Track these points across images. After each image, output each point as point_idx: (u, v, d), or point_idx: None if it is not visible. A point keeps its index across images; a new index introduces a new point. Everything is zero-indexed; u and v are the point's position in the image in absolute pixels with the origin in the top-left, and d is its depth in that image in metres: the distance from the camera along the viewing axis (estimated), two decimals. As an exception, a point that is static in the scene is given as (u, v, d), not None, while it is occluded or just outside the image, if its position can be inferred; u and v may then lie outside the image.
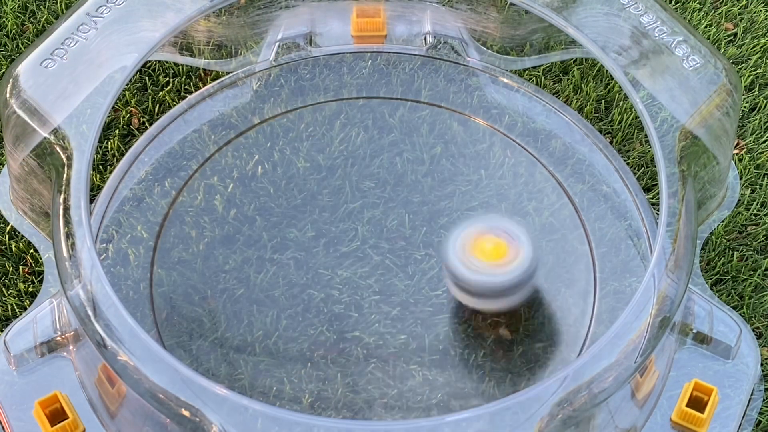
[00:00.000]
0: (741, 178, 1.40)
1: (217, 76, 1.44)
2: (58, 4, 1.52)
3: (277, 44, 1.43)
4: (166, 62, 1.47)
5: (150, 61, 1.47)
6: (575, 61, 1.49)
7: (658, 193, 1.32)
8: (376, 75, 1.43)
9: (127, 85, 1.42)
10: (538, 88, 1.43)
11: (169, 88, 1.45)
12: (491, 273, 1.20)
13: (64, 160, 1.16)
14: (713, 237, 1.35)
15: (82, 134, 1.17)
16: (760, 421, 1.23)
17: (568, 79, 1.47)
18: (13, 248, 1.33)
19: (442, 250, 1.23)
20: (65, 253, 1.11)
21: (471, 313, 1.24)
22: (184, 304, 1.25)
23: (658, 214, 1.22)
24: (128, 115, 1.43)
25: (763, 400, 1.23)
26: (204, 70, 1.47)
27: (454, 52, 1.44)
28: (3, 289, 1.30)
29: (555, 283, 1.27)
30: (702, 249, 1.34)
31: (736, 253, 1.35)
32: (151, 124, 1.40)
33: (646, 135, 1.32)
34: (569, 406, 1.04)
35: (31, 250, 1.32)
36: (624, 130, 1.44)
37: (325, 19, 1.45)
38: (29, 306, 1.28)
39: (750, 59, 1.51)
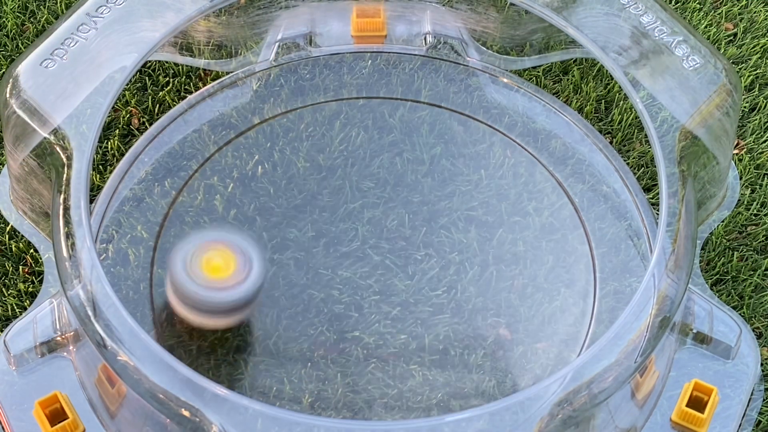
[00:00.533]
0: (741, 178, 1.40)
1: (217, 76, 1.45)
2: (58, 4, 1.52)
3: (277, 44, 1.43)
4: (166, 62, 1.47)
5: (150, 61, 1.47)
6: (575, 61, 1.49)
7: (658, 193, 1.32)
8: (376, 75, 1.43)
9: (127, 85, 1.42)
10: (538, 88, 1.43)
11: (169, 88, 1.45)
12: (220, 289, 1.17)
13: (64, 160, 1.16)
14: (713, 237, 1.35)
15: (82, 134, 1.17)
16: (760, 421, 1.23)
17: (568, 79, 1.48)
18: (13, 248, 1.33)
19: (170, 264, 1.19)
20: (65, 253, 1.11)
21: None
22: (184, 304, 1.25)
23: (658, 214, 1.22)
24: (128, 115, 1.43)
25: (763, 400, 1.23)
26: (204, 70, 1.47)
27: (454, 52, 1.44)
28: (3, 289, 1.30)
29: (555, 283, 1.27)
30: (702, 249, 1.34)
31: (736, 253, 1.35)
32: (151, 124, 1.40)
33: (646, 135, 1.32)
34: (569, 406, 1.04)
35: (31, 250, 1.32)
36: (624, 130, 1.44)
37: (325, 19, 1.45)
38: (29, 306, 1.28)
39: (750, 59, 1.51)
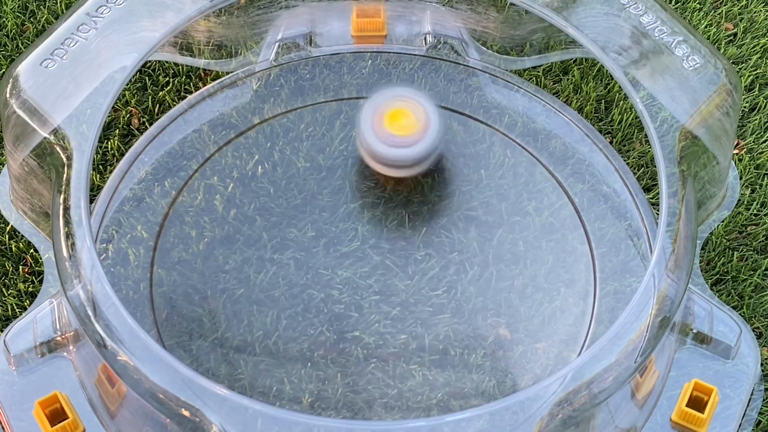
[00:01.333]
0: (741, 178, 1.40)
1: (217, 76, 1.44)
2: (58, 4, 1.52)
3: (277, 44, 1.43)
4: (166, 62, 1.47)
5: (150, 61, 1.47)
6: (575, 61, 1.49)
7: (658, 193, 1.32)
8: (376, 75, 1.42)
9: (127, 85, 1.42)
10: (538, 88, 1.43)
11: (169, 88, 1.45)
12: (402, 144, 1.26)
13: (64, 160, 1.16)
14: (713, 237, 1.35)
15: (82, 134, 1.17)
16: (760, 421, 1.23)
17: (568, 79, 1.48)
18: (13, 248, 1.33)
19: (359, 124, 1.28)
20: (65, 253, 1.11)
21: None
22: (184, 304, 1.25)
23: (658, 214, 1.22)
24: (128, 115, 1.43)
25: (763, 400, 1.23)
26: (204, 70, 1.47)
27: (454, 52, 1.44)
28: (3, 289, 1.30)
29: (555, 283, 1.27)
30: (702, 249, 1.34)
31: (736, 253, 1.35)
32: (151, 124, 1.40)
33: (646, 135, 1.32)
34: (569, 406, 1.04)
35: (31, 250, 1.33)
36: (624, 130, 1.44)
37: (325, 19, 1.45)
38: (29, 306, 1.28)
39: (750, 59, 1.51)
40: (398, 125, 1.27)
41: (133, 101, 1.45)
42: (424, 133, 1.27)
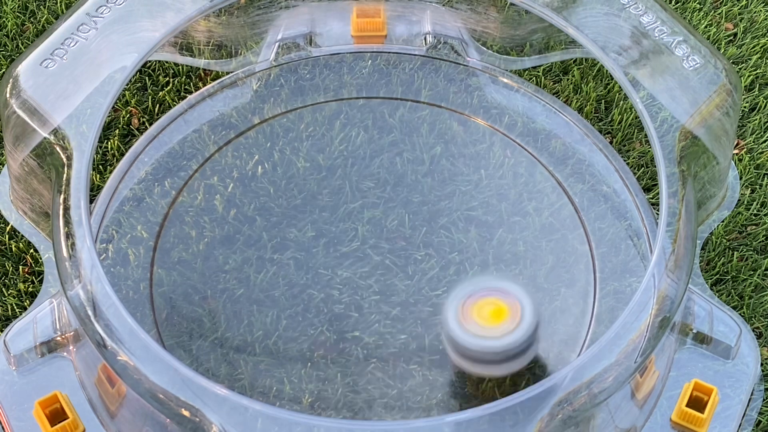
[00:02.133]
0: (741, 178, 1.40)
1: (217, 76, 1.44)
2: (58, 4, 1.52)
3: (277, 44, 1.43)
4: (166, 62, 1.47)
5: (150, 61, 1.47)
6: (575, 61, 1.49)
7: (658, 193, 1.32)
8: (376, 75, 1.43)
9: (127, 85, 1.42)
10: (538, 88, 1.43)
11: (169, 88, 1.45)
12: (490, 337, 1.15)
13: (64, 160, 1.16)
14: (713, 237, 1.35)
15: (82, 134, 1.17)
16: (760, 421, 1.23)
17: (568, 79, 1.48)
18: (13, 248, 1.33)
19: (442, 317, 1.19)
20: (65, 253, 1.11)
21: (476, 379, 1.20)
22: (184, 304, 1.25)
23: (658, 214, 1.22)
24: (128, 115, 1.43)
25: (763, 400, 1.23)
26: (204, 70, 1.47)
27: (454, 52, 1.44)
28: (3, 289, 1.30)
29: (555, 283, 1.27)
30: (702, 249, 1.34)
31: (736, 253, 1.35)
32: (151, 124, 1.40)
33: (646, 135, 1.32)
34: (569, 406, 1.04)
35: (31, 250, 1.32)
36: (624, 130, 1.44)
37: (325, 19, 1.45)
38: (29, 306, 1.28)
39: (750, 59, 1.51)
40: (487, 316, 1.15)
41: (133, 101, 1.45)
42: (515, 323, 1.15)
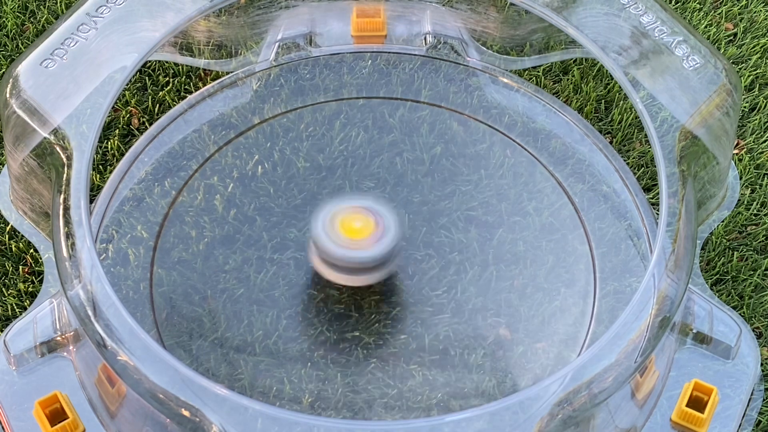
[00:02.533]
0: (741, 178, 1.40)
1: (217, 76, 1.45)
2: (58, 4, 1.52)
3: (277, 44, 1.43)
4: (166, 62, 1.47)
5: (150, 61, 1.47)
6: (575, 61, 1.49)
7: (658, 193, 1.32)
8: (376, 75, 1.43)
9: (127, 85, 1.42)
10: (538, 88, 1.43)
11: (169, 88, 1.45)
12: (357, 248, 1.19)
13: (64, 160, 1.16)
14: (713, 237, 1.35)
15: (82, 134, 1.17)
16: (760, 421, 1.23)
17: (568, 79, 1.48)
18: (13, 248, 1.33)
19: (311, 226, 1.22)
20: (65, 253, 1.11)
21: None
22: (184, 304, 1.25)
23: (658, 214, 1.22)
24: (128, 115, 1.43)
25: (763, 400, 1.23)
26: (204, 70, 1.47)
27: (454, 52, 1.44)
28: (3, 289, 1.30)
29: (555, 283, 1.27)
30: (702, 249, 1.34)
31: (736, 253, 1.35)
32: (151, 124, 1.40)
33: (646, 135, 1.32)
34: (569, 406, 1.04)
35: (31, 250, 1.33)
36: (624, 130, 1.44)
37: (325, 19, 1.45)
38: (29, 306, 1.28)
39: (750, 59, 1.51)
40: (354, 230, 1.20)
41: (133, 101, 1.45)
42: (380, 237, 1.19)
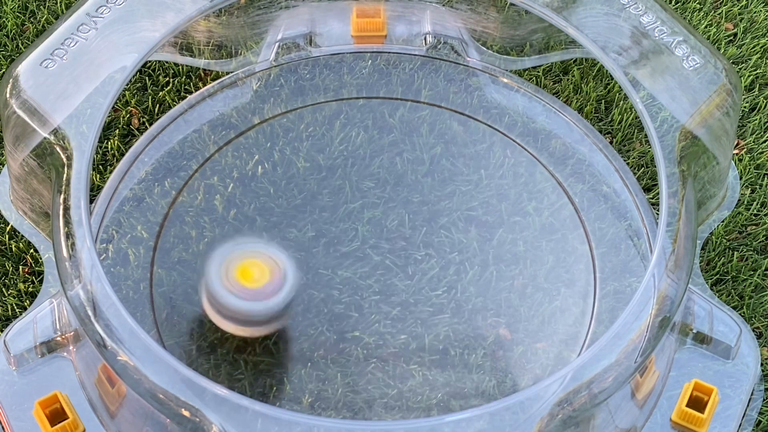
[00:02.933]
0: (741, 178, 1.40)
1: (217, 76, 1.45)
2: (58, 4, 1.52)
3: (277, 44, 1.43)
4: (166, 62, 1.47)
5: (150, 61, 1.47)
6: (575, 61, 1.49)
7: (658, 193, 1.32)
8: (376, 75, 1.43)
9: (127, 85, 1.42)
10: (538, 88, 1.43)
11: (169, 88, 1.45)
12: (255, 299, 1.18)
13: (64, 160, 1.16)
14: (713, 237, 1.35)
15: (82, 134, 1.17)
16: (760, 421, 1.23)
17: (568, 79, 1.48)
18: (13, 248, 1.33)
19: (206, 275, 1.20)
20: (65, 253, 1.11)
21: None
22: (184, 304, 1.25)
23: (658, 214, 1.22)
24: (128, 115, 1.43)
25: (763, 400, 1.23)
26: (204, 70, 1.47)
27: (454, 52, 1.44)
28: (3, 289, 1.30)
29: (555, 283, 1.27)
30: (702, 249, 1.34)
31: (736, 253, 1.35)
32: (151, 124, 1.40)
33: (646, 135, 1.32)
34: (569, 406, 1.04)
35: (31, 250, 1.33)
36: (624, 130, 1.44)
37: (325, 19, 1.45)
38: (29, 306, 1.28)
39: (750, 59, 1.51)
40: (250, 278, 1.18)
41: (133, 101, 1.45)
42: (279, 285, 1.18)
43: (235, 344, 1.23)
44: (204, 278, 1.19)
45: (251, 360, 1.22)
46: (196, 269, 1.27)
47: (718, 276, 1.33)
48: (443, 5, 1.44)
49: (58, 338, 1.18)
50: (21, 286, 1.30)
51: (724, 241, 1.35)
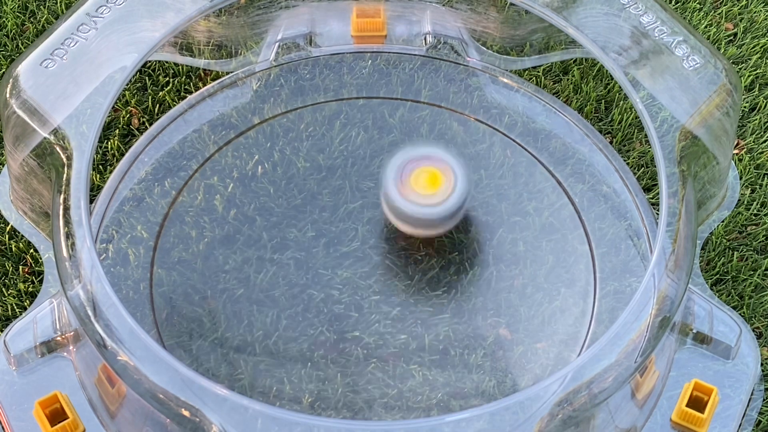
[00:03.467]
0: (741, 178, 1.40)
1: (217, 76, 1.45)
2: (58, 4, 1.52)
3: (277, 44, 1.43)
4: (166, 62, 1.47)
5: (150, 61, 1.47)
6: (575, 61, 1.49)
7: (658, 193, 1.32)
8: (376, 75, 1.43)
9: (127, 85, 1.42)
10: (538, 88, 1.43)
11: (169, 88, 1.45)
12: (427, 204, 1.23)
13: (64, 160, 1.16)
14: (713, 237, 1.35)
15: (82, 134, 1.17)
16: (760, 421, 1.23)
17: (568, 79, 1.48)
18: (13, 248, 1.33)
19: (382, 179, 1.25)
20: (65, 253, 1.11)
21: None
22: (184, 304, 1.25)
23: (658, 214, 1.22)
24: (128, 115, 1.43)
25: (763, 400, 1.23)
26: (204, 70, 1.47)
27: (454, 52, 1.44)
28: (3, 289, 1.31)
29: (555, 283, 1.27)
30: (702, 249, 1.34)
31: (736, 253, 1.35)
32: (151, 124, 1.40)
33: (646, 135, 1.32)
34: (569, 406, 1.04)
35: (31, 250, 1.33)
36: (624, 130, 1.44)
37: (325, 19, 1.45)
38: (29, 306, 1.28)
39: (750, 59, 1.51)
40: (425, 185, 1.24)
41: (133, 101, 1.45)
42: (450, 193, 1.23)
43: (235, 344, 1.23)
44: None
45: (251, 360, 1.22)
46: (196, 269, 1.27)
47: (718, 276, 1.33)
48: (443, 5, 1.44)
49: (58, 338, 1.18)
50: (21, 286, 1.30)
51: (724, 241, 1.35)
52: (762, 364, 1.26)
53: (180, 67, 1.47)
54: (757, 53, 1.51)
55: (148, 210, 1.32)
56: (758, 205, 1.38)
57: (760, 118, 1.46)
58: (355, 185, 1.33)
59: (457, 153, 1.28)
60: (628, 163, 1.40)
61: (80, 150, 1.16)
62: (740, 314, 1.29)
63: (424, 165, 1.24)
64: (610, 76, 1.39)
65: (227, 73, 1.43)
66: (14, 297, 1.30)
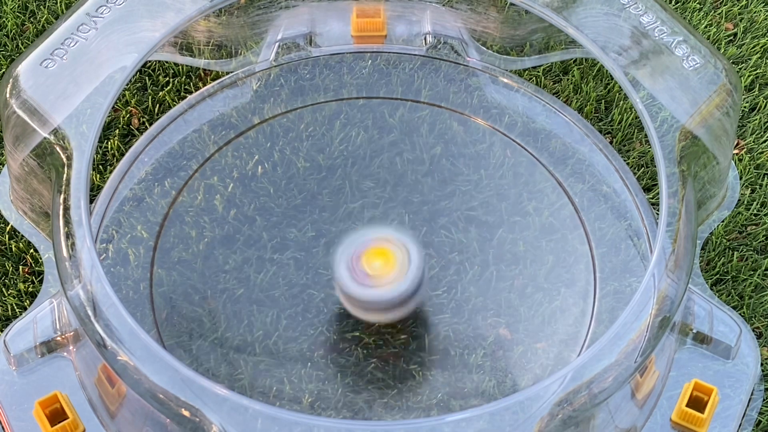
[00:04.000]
0: (741, 178, 1.40)
1: (217, 76, 1.45)
2: (58, 4, 1.52)
3: (277, 44, 1.43)
4: (166, 62, 1.47)
5: (150, 61, 1.47)
6: (575, 61, 1.49)
7: (658, 193, 1.32)
8: (376, 75, 1.43)
9: (127, 85, 1.42)
10: (538, 88, 1.43)
11: (169, 88, 1.45)
12: (379, 287, 1.17)
13: (64, 160, 1.16)
14: (713, 237, 1.35)
15: (82, 134, 1.17)
16: (760, 421, 1.23)
17: (568, 79, 1.48)
18: (13, 248, 1.33)
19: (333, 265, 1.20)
20: (65, 253, 1.11)
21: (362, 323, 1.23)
22: (184, 304, 1.25)
23: (658, 214, 1.22)
24: (128, 115, 1.43)
25: (763, 400, 1.23)
26: (204, 70, 1.47)
27: (454, 52, 1.44)
28: (3, 289, 1.30)
29: (555, 283, 1.27)
30: (702, 249, 1.34)
31: (736, 253, 1.35)
32: (151, 124, 1.40)
33: (646, 135, 1.32)
34: (569, 406, 1.04)
35: (31, 250, 1.33)
36: (624, 130, 1.44)
37: (325, 19, 1.45)
38: (29, 306, 1.28)
39: (750, 59, 1.51)
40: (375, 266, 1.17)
41: (133, 101, 1.45)
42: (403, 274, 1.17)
43: (235, 344, 1.23)
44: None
45: (251, 360, 1.22)
46: (196, 269, 1.27)
47: (718, 276, 1.33)
48: (443, 5, 1.44)
49: (58, 338, 1.18)
50: (21, 286, 1.30)
51: (724, 241, 1.35)
52: (762, 364, 1.26)
53: (180, 67, 1.47)
54: (757, 53, 1.51)
55: (148, 210, 1.32)
56: (758, 205, 1.38)
57: (760, 118, 1.46)
58: (355, 185, 1.33)
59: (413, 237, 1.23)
60: (628, 163, 1.40)
61: (80, 150, 1.16)
62: (740, 314, 1.29)
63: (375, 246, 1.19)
64: (610, 76, 1.39)
65: (227, 73, 1.43)
66: (14, 297, 1.30)
